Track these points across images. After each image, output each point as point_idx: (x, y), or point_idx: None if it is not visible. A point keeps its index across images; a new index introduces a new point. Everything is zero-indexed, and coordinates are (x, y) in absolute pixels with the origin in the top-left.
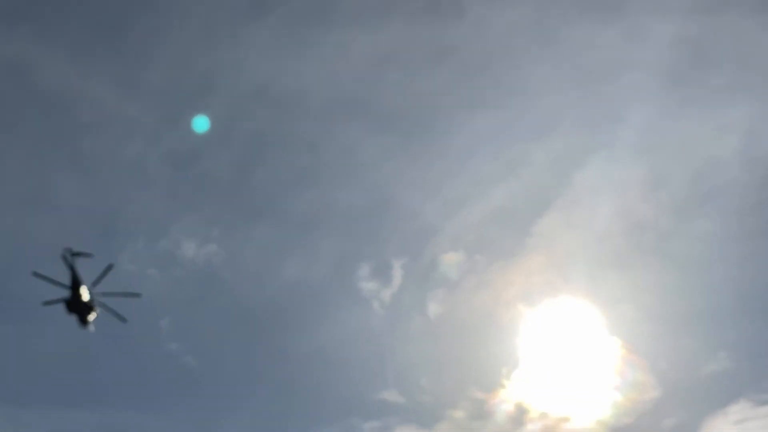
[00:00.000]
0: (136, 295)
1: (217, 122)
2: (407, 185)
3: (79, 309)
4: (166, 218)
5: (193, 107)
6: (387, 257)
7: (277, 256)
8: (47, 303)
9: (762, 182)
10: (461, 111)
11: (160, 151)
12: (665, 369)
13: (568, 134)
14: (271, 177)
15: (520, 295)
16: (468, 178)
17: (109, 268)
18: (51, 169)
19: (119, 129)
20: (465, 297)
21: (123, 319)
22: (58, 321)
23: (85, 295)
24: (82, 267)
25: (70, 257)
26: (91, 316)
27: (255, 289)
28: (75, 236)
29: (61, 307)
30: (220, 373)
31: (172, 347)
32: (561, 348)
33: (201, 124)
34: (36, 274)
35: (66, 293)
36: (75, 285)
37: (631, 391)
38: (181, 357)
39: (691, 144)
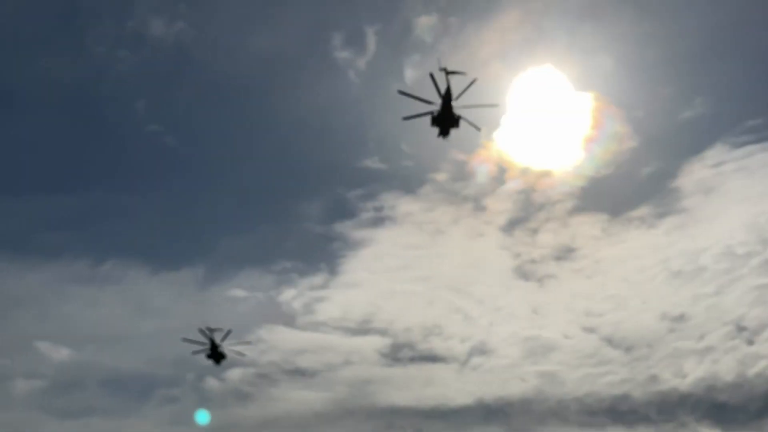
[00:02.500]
0: (248, 342)
1: None
2: None
3: (215, 359)
4: None
5: None
6: (359, 24)
7: (247, 28)
8: (195, 352)
9: None
10: None
11: None
12: (642, 118)
13: None
14: None
15: (497, 53)
16: None
17: (228, 333)
18: None
19: None
20: (441, 58)
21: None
22: (38, 111)
23: (220, 349)
24: None
25: (209, 332)
26: (222, 361)
27: (228, 63)
28: (36, 22)
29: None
30: (203, 152)
31: (152, 128)
32: (539, 104)
33: (203, 417)
34: (185, 340)
35: (207, 351)
36: (213, 346)
37: (610, 142)
38: (161, 137)
39: None
